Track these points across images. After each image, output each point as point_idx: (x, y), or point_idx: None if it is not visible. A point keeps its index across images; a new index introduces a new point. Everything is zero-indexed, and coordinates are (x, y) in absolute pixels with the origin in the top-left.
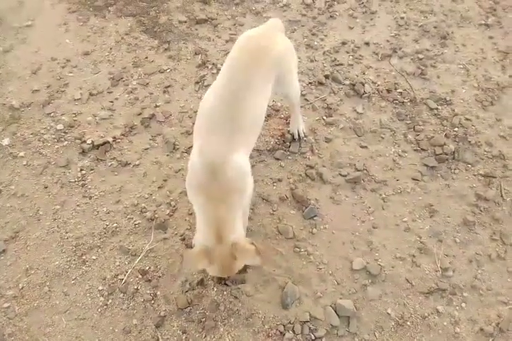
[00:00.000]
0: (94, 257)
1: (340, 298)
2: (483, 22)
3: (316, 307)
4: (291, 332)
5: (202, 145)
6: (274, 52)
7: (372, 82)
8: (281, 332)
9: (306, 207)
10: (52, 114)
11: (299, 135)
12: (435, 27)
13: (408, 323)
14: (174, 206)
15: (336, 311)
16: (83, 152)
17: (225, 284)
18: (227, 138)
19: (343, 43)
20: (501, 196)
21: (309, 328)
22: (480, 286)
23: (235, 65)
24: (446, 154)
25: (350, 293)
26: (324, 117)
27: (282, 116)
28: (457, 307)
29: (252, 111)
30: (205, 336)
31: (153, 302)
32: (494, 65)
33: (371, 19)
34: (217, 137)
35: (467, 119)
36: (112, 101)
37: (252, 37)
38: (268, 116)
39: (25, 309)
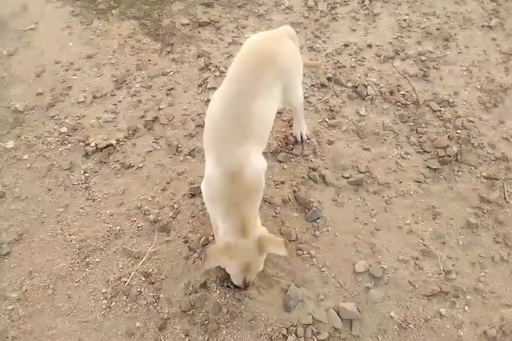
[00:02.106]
0: (97, 259)
1: (343, 301)
2: (486, 24)
3: (319, 310)
4: (293, 335)
5: (217, 157)
6: (281, 57)
7: (375, 84)
8: (283, 335)
9: (309, 210)
10: (55, 117)
11: (301, 137)
12: (438, 29)
13: (411, 326)
14: (177, 208)
15: (338, 314)
16: (87, 155)
17: (228, 287)
18: (240, 144)
19: (346, 45)
20: (504, 198)
21: (312, 331)
22: (483, 289)
23: (240, 68)
24: (449, 156)
25: (353, 295)
26: (327, 119)
27: (285, 118)
28: (460, 310)
29: (260, 115)
30: (208, 339)
31: (156, 304)
32: (497, 66)
33: (374, 21)
34: (230, 145)
35: (470, 121)
36: (115, 104)
37: (261, 40)
38: None
39: (29, 311)
